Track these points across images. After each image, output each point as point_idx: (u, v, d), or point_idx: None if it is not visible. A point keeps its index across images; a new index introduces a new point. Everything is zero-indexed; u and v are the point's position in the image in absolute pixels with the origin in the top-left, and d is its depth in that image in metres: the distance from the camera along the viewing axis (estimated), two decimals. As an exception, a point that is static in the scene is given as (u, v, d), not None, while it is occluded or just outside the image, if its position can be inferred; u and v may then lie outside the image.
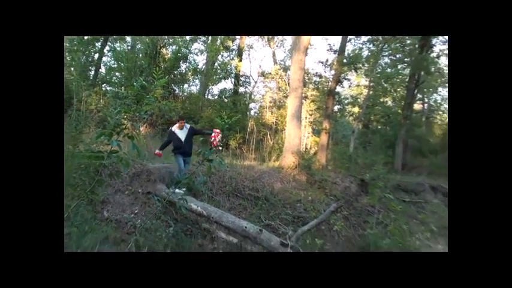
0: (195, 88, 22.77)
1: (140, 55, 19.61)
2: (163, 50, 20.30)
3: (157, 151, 9.92)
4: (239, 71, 23.11)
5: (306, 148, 19.06)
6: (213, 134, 8.64)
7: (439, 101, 31.96)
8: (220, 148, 9.93)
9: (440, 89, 29.73)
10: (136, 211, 7.91)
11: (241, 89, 23.87)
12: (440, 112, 32.07)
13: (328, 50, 24.69)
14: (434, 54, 22.40)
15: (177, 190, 8.17)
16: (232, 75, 23.29)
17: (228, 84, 23.89)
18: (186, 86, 22.38)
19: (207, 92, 22.71)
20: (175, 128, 9.98)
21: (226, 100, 22.51)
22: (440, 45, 22.77)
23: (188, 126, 10.15)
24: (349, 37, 19.35)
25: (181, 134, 9.83)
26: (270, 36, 23.21)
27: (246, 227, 7.64)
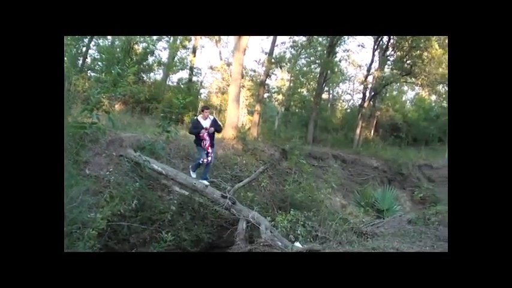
0: (159, 76, 22.57)
1: (118, 49, 19.21)
2: (136, 46, 19.95)
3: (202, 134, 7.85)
4: (193, 64, 23.01)
5: (242, 124, 19.03)
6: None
7: (340, 93, 32.82)
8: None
9: (341, 84, 30.55)
10: (110, 169, 7.71)
11: (195, 78, 23.76)
12: (341, 101, 32.79)
13: (261, 52, 24.68)
14: (337, 59, 22.72)
15: (201, 180, 7.92)
16: (188, 67, 23.09)
17: (184, 74, 23.82)
18: (152, 74, 22.24)
19: (168, 79, 22.53)
20: (200, 118, 8.10)
21: (182, 86, 22.36)
22: (341, 52, 23.20)
23: (212, 117, 8.29)
24: (276, 43, 19.42)
25: (206, 125, 7.98)
26: (218, 38, 23.02)
27: (195, 183, 7.66)
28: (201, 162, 8.01)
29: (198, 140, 7.99)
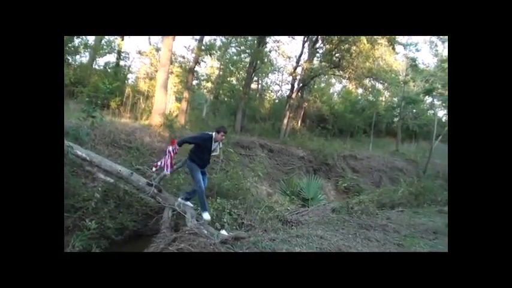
0: (85, 59, 21.77)
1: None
2: (61, 27, 18.90)
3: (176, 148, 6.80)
4: (121, 48, 22.52)
5: (170, 111, 18.82)
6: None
7: (268, 83, 33.16)
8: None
9: (270, 74, 30.97)
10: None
11: (122, 63, 23.26)
12: (270, 91, 33.20)
13: (191, 38, 24.50)
14: (267, 49, 23.01)
15: (188, 203, 6.97)
16: (115, 51, 22.67)
17: (111, 58, 23.28)
18: (78, 57, 21.39)
19: (94, 63, 21.88)
20: (215, 137, 6.76)
21: (109, 70, 21.78)
22: (271, 43, 23.54)
23: (221, 145, 7.30)
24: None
25: (215, 147, 6.94)
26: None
27: (120, 170, 7.53)
28: (199, 191, 6.58)
29: (199, 160, 6.77)
